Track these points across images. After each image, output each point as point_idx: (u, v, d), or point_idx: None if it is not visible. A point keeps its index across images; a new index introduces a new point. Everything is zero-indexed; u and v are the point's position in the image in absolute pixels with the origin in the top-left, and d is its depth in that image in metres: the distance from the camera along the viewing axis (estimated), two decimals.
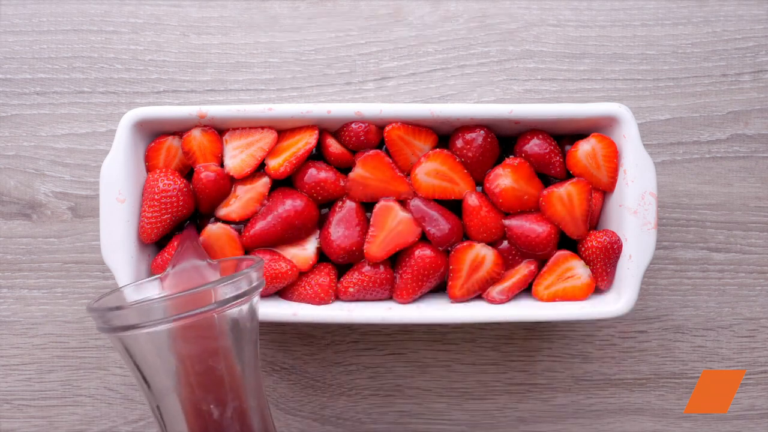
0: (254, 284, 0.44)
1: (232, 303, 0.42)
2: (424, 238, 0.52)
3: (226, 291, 0.42)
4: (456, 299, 0.52)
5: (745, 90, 0.61)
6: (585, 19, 0.61)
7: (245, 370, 0.45)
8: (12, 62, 0.61)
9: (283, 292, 0.52)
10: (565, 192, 0.51)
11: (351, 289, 0.51)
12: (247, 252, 0.51)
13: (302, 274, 0.52)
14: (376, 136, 0.51)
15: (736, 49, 0.61)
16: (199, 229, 0.52)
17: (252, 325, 0.45)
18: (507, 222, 0.51)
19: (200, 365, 0.44)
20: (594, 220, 0.53)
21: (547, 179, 0.53)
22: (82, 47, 0.61)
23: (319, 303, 0.51)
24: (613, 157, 0.51)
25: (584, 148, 0.51)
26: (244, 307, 0.44)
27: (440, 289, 0.53)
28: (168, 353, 0.43)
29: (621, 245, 0.50)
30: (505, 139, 0.53)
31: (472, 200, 0.51)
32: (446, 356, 0.60)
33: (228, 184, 0.51)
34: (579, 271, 0.51)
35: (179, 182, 0.51)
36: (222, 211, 0.52)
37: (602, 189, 0.52)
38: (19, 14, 0.61)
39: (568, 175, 0.52)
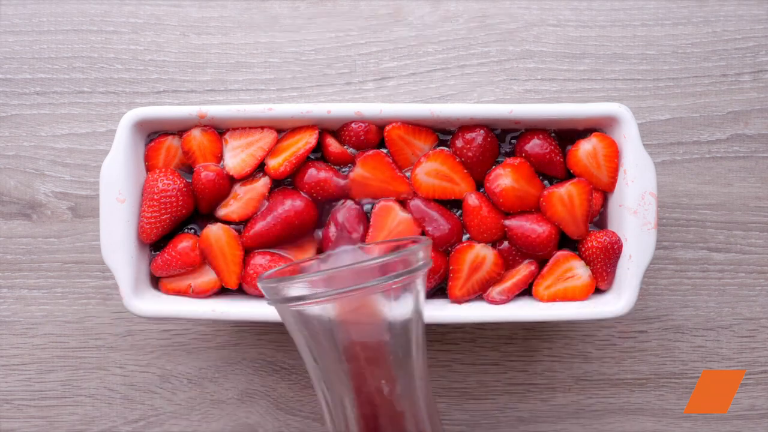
0: (421, 263, 0.44)
1: (400, 278, 0.42)
2: None
3: (395, 264, 0.42)
4: (456, 299, 0.52)
5: (745, 90, 0.61)
6: (585, 19, 0.61)
7: (414, 348, 0.45)
8: (12, 62, 0.61)
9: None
10: (565, 192, 0.51)
11: None
12: (246, 252, 0.51)
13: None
14: (376, 136, 0.51)
15: (736, 49, 0.61)
16: (199, 229, 0.52)
17: (418, 304, 0.45)
18: (507, 222, 0.51)
19: (370, 340, 0.43)
20: (593, 219, 0.53)
21: (547, 179, 0.53)
22: (82, 47, 0.61)
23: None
24: (614, 156, 0.51)
25: (585, 147, 0.51)
26: (411, 285, 0.44)
27: (440, 289, 0.53)
28: (338, 327, 0.43)
29: (621, 245, 0.50)
30: (503, 138, 0.53)
31: (473, 200, 0.51)
32: (446, 356, 0.60)
33: (228, 184, 0.51)
34: (579, 271, 0.51)
35: (178, 182, 0.51)
36: (222, 212, 0.52)
37: (602, 189, 0.52)
38: (19, 14, 0.61)
39: (568, 174, 0.52)
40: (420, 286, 0.45)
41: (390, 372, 0.44)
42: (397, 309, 0.44)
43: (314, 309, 0.42)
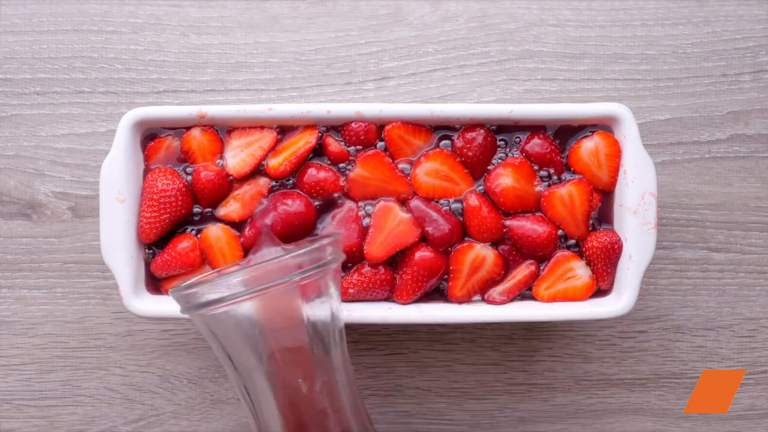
0: (331, 256, 0.44)
1: (309, 273, 0.42)
2: (424, 239, 0.52)
3: (301, 261, 0.42)
4: (456, 300, 0.52)
5: (745, 90, 0.61)
6: (585, 19, 0.61)
7: (333, 344, 0.45)
8: (12, 62, 0.61)
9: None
10: (566, 192, 0.51)
11: (351, 290, 0.51)
12: (246, 252, 0.51)
13: None
14: (375, 136, 0.51)
15: (736, 49, 0.61)
16: (199, 229, 0.52)
17: (332, 300, 0.45)
18: (508, 222, 0.51)
19: (285, 340, 0.43)
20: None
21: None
22: (82, 47, 0.61)
23: None
24: (616, 156, 0.51)
25: (587, 145, 0.51)
26: (323, 281, 0.44)
27: (440, 289, 0.53)
28: (252, 330, 0.43)
29: (621, 245, 0.50)
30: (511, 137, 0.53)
31: (473, 200, 0.51)
32: (446, 356, 0.60)
33: (227, 183, 0.51)
34: (579, 271, 0.51)
35: (178, 182, 0.51)
36: (222, 211, 0.52)
37: (602, 188, 0.52)
38: (19, 14, 0.61)
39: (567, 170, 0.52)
40: (332, 281, 0.45)
41: (307, 370, 0.44)
42: (313, 306, 0.44)
43: (228, 310, 0.42)
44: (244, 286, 0.41)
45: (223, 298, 0.41)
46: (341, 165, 0.52)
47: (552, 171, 0.52)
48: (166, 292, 0.52)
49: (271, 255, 0.46)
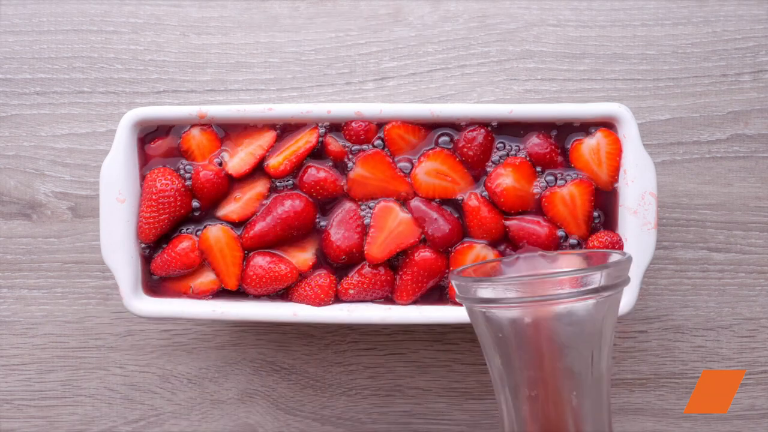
0: (625, 278, 0.43)
1: (606, 292, 0.41)
2: (424, 239, 0.51)
3: (595, 279, 0.40)
4: (457, 301, 0.52)
5: (745, 90, 0.61)
6: (585, 19, 0.61)
7: (605, 363, 0.43)
8: (12, 62, 0.61)
9: (283, 293, 0.52)
10: (567, 192, 0.51)
11: (351, 291, 0.51)
12: (247, 253, 0.51)
13: (302, 275, 0.52)
14: (376, 135, 0.51)
15: (736, 49, 0.61)
16: (200, 229, 0.52)
17: (609, 319, 0.43)
18: (508, 223, 0.51)
19: (565, 349, 0.42)
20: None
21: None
22: (82, 47, 0.61)
23: (319, 304, 0.51)
24: (616, 154, 0.51)
25: (589, 143, 0.51)
26: (606, 302, 0.42)
27: (440, 288, 0.53)
28: (529, 335, 0.42)
29: (622, 246, 0.50)
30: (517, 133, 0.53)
31: (473, 201, 0.51)
32: (446, 356, 0.60)
33: (227, 183, 0.51)
34: None
35: (176, 182, 0.51)
36: (222, 212, 0.52)
37: (601, 187, 0.52)
38: (19, 14, 0.61)
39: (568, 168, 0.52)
40: (617, 303, 0.43)
41: (580, 385, 0.43)
42: (593, 322, 0.42)
43: (505, 312, 0.42)
44: (525, 295, 0.40)
45: (499, 299, 0.41)
46: (341, 165, 0.52)
47: (560, 174, 0.51)
48: (166, 293, 0.52)
49: (534, 258, 0.46)
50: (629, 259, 0.43)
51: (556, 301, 0.41)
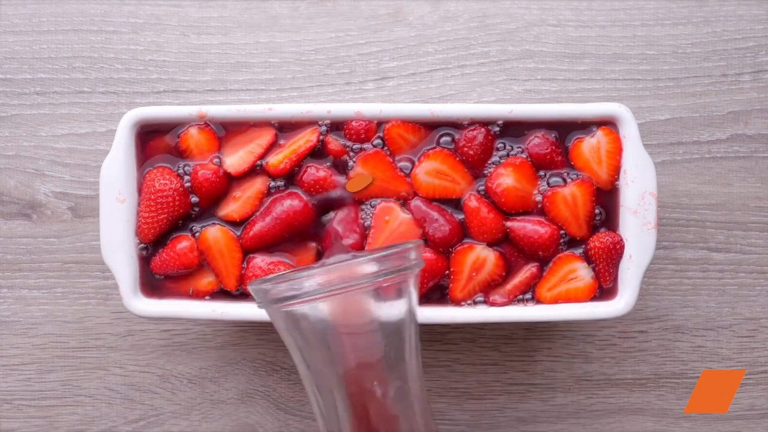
0: (413, 262, 0.44)
1: (391, 276, 0.42)
2: (424, 239, 0.51)
3: (381, 265, 0.42)
4: (457, 301, 0.52)
5: (745, 90, 0.61)
6: (585, 19, 0.61)
7: (408, 351, 0.45)
8: (12, 62, 0.61)
9: None
10: (569, 193, 0.51)
11: None
12: (247, 253, 0.51)
13: None
14: (375, 134, 0.51)
15: (736, 49, 0.61)
16: (201, 228, 0.52)
17: (411, 306, 0.45)
18: (509, 224, 0.51)
19: (362, 345, 0.43)
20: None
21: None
22: (82, 47, 0.61)
23: None
24: (616, 153, 0.51)
25: (590, 141, 0.51)
26: (404, 285, 0.44)
27: (440, 289, 0.53)
28: (328, 332, 0.43)
29: (623, 246, 0.50)
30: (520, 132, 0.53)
31: (473, 201, 0.51)
32: (446, 356, 0.60)
33: (226, 182, 0.51)
34: (582, 272, 0.51)
35: (175, 182, 0.51)
36: (222, 211, 0.52)
37: (601, 186, 0.52)
38: (19, 14, 0.61)
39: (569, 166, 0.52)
40: (413, 287, 0.45)
41: (382, 374, 0.44)
42: (390, 310, 0.44)
43: (305, 310, 0.42)
44: (324, 285, 0.41)
45: (300, 294, 0.41)
46: (341, 164, 0.52)
47: (566, 173, 0.51)
48: (166, 293, 0.52)
49: (346, 259, 0.47)
50: (415, 246, 0.44)
51: (344, 289, 0.41)
